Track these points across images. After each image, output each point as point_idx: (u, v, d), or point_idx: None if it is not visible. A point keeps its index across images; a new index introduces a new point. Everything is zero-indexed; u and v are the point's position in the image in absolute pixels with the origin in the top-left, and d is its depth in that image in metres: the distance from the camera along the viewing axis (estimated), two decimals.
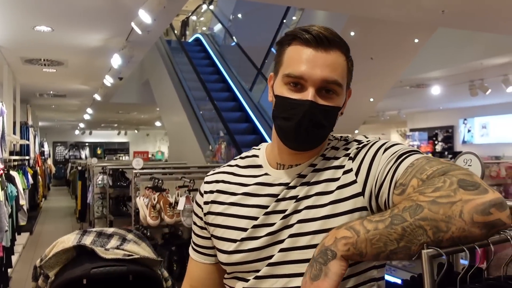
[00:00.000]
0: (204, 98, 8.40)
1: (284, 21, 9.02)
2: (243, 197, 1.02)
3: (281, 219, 0.96)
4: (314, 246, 0.87)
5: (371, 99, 8.96)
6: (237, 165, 1.09)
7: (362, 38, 6.57)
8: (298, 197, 0.96)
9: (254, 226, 0.98)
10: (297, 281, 0.90)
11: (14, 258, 5.35)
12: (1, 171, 4.38)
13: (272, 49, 9.32)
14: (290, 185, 0.98)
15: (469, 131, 14.44)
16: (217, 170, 1.12)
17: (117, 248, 1.69)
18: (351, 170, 0.95)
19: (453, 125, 14.96)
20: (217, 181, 1.09)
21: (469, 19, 5.34)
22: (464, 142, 14.48)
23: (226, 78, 9.45)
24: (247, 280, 0.99)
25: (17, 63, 7.12)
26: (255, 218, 0.98)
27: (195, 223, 1.13)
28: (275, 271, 0.95)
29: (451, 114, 14.73)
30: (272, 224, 0.96)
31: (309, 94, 0.91)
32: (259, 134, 7.82)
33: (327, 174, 0.97)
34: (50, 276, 1.63)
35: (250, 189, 1.02)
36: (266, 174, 1.02)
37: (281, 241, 0.95)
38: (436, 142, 15.40)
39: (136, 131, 22.84)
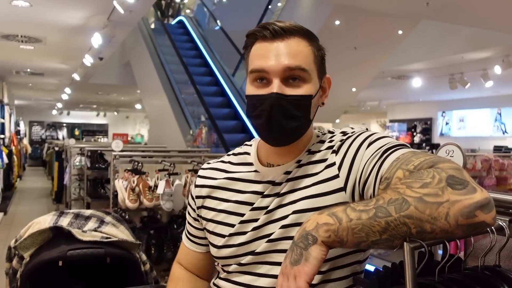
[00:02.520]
0: (186, 81, 8.31)
1: (270, 7, 8.96)
2: (233, 194, 1.04)
3: (264, 214, 0.98)
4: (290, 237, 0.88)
5: (353, 89, 9.02)
6: (230, 162, 1.10)
7: (347, 28, 6.58)
8: (281, 192, 0.97)
9: (241, 222, 1.00)
10: (278, 269, 0.90)
11: None
12: None
13: None
14: (275, 182, 0.99)
15: (447, 123, 14.71)
16: (212, 165, 1.13)
17: (95, 230, 1.67)
18: (334, 164, 0.94)
19: (432, 117, 15.20)
20: (210, 178, 1.10)
21: (453, 12, 5.39)
22: (441, 134, 14.75)
23: (209, 62, 9.35)
24: (237, 264, 1.01)
25: None
26: (242, 215, 1.01)
27: (189, 213, 1.16)
28: (259, 258, 0.97)
29: (430, 106, 14.96)
30: (256, 220, 0.98)
31: (274, 87, 0.91)
32: (241, 120, 7.79)
33: (310, 169, 0.97)
34: (25, 257, 1.59)
35: (239, 186, 1.04)
36: (255, 171, 1.03)
37: (268, 235, 0.97)
38: (414, 134, 15.65)
39: (115, 113, 22.49)
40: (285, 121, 0.92)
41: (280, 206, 0.97)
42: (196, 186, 1.12)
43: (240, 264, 1.00)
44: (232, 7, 11.06)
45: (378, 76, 9.11)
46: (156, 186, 2.97)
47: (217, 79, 8.94)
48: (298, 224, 0.90)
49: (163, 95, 8.28)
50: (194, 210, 1.13)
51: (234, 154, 1.11)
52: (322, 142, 1.00)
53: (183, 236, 1.21)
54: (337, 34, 6.60)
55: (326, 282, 0.93)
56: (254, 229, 0.98)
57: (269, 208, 0.97)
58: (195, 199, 1.12)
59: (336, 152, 0.95)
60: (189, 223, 1.17)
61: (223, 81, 8.77)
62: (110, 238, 1.64)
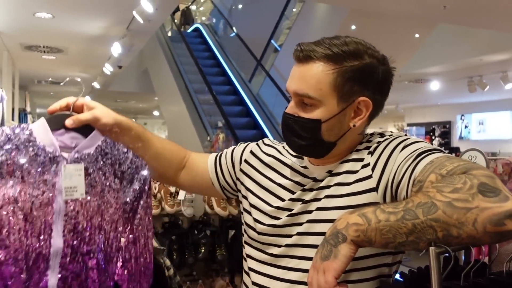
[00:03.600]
0: (203, 87, 8.39)
1: (285, 13, 9.00)
2: (278, 176, 1.09)
3: (301, 203, 1.01)
4: None
5: None
6: (288, 151, 1.13)
7: (363, 33, 6.56)
8: (320, 186, 1.00)
9: (278, 208, 1.04)
10: (308, 264, 0.93)
11: None
12: None
13: (272, 41, 9.30)
14: (317, 178, 1.03)
15: (466, 127, 14.49)
16: (272, 143, 1.18)
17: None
18: (368, 164, 0.97)
19: (451, 120, 15.00)
20: (266, 153, 1.15)
21: (470, 15, 5.35)
22: (461, 138, 14.54)
23: (225, 69, 9.42)
24: (266, 253, 1.05)
25: (17, 49, 7.09)
26: (282, 199, 1.05)
27: (231, 156, 1.20)
28: (290, 252, 1.01)
29: (449, 109, 14.76)
30: (292, 209, 1.02)
31: (288, 106, 0.99)
32: (260, 129, 7.82)
33: (347, 166, 0.99)
34: None
35: (286, 172, 1.08)
36: (305, 167, 1.06)
37: (300, 224, 1.00)
38: (433, 138, 15.46)
39: (134, 120, 22.52)
40: (293, 138, 1.00)
41: (315, 199, 1.00)
42: (252, 152, 1.16)
43: (272, 255, 1.04)
44: (247, 14, 11.13)
45: (395, 79, 9.00)
46: (177, 192, 3.02)
47: (233, 85, 9.01)
48: (327, 221, 0.94)
49: (180, 101, 8.37)
50: (233, 165, 1.18)
51: None
52: (362, 144, 1.02)
53: (212, 156, 1.24)
54: None
55: (346, 283, 0.95)
56: (289, 216, 1.02)
57: (306, 199, 1.01)
58: (242, 161, 1.16)
59: (371, 153, 0.98)
60: (220, 161, 1.21)
61: (239, 85, 8.83)
62: None
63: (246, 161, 1.16)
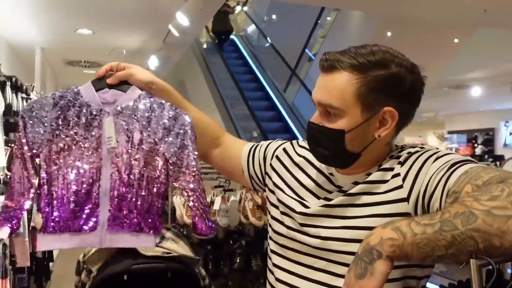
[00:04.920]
0: (238, 100, 8.45)
1: (319, 21, 8.97)
2: (305, 177, 1.09)
3: (327, 208, 1.00)
4: (356, 240, 0.89)
5: None
6: None
7: (399, 39, 6.45)
8: (347, 192, 0.99)
9: (302, 214, 1.03)
10: (334, 267, 0.96)
11: (55, 252, 5.54)
12: None
13: (306, 50, 9.29)
14: (343, 188, 1.01)
15: (510, 133, 13.91)
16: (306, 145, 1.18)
17: (156, 245, 1.73)
18: (399, 174, 0.94)
19: (494, 127, 14.44)
20: (299, 154, 1.15)
21: (510, 16, 5.15)
22: (505, 145, 13.96)
23: (260, 79, 9.47)
24: (291, 249, 1.04)
25: (60, 65, 7.39)
26: (305, 200, 1.05)
27: (264, 150, 1.21)
28: (315, 252, 1.00)
29: (492, 116, 14.23)
30: (317, 215, 1.01)
31: (314, 116, 0.99)
32: (292, 133, 7.81)
33: (377, 176, 0.97)
34: (92, 271, 1.68)
35: (313, 174, 1.09)
36: (331, 174, 1.06)
37: (325, 227, 0.98)
38: (475, 145, 14.92)
39: None
40: (317, 148, 1.00)
41: (341, 205, 0.98)
42: (285, 150, 1.17)
43: (297, 252, 1.03)
44: (282, 24, 11.17)
45: (434, 86, 8.82)
46: (212, 202, 3.03)
47: (268, 95, 9.04)
48: (353, 228, 0.93)
49: (215, 112, 8.47)
50: (265, 159, 1.19)
51: None
52: (391, 156, 1.00)
53: (249, 145, 1.27)
54: (389, 46, 6.46)
55: None
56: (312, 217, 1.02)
57: (331, 203, 1.00)
58: (273, 157, 1.17)
59: (402, 163, 0.95)
60: (254, 152, 1.22)
61: (275, 96, 8.85)
62: (170, 253, 1.69)
63: (277, 157, 1.17)
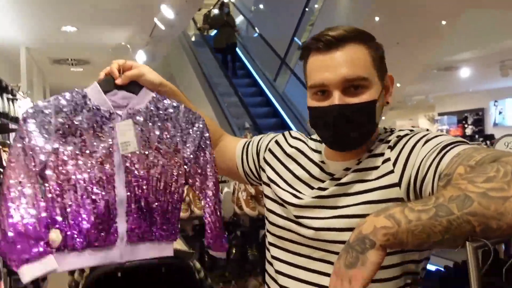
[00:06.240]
0: (229, 90, 8.42)
1: (307, 9, 8.91)
2: (296, 166, 1.08)
3: (320, 199, 0.99)
4: (350, 229, 0.86)
5: (398, 85, 8.78)
6: (306, 143, 1.13)
7: (388, 24, 6.43)
8: (340, 182, 0.98)
9: (296, 205, 1.02)
10: (332, 257, 0.95)
11: None
12: None
13: (295, 39, 9.24)
14: (335, 176, 1.00)
15: (500, 113, 13.99)
16: (303, 137, 1.16)
17: None
18: (389, 159, 0.93)
19: (483, 107, 14.52)
20: (291, 145, 1.14)
21: None
22: (495, 124, 14.04)
23: (249, 69, 9.42)
24: (288, 240, 1.04)
25: (46, 63, 7.31)
26: (298, 191, 1.04)
27: (257, 144, 1.21)
28: (311, 243, 0.99)
29: (481, 96, 14.29)
30: (311, 206, 1.00)
31: (335, 99, 0.92)
32: (283, 122, 7.80)
33: (368, 162, 0.96)
34: (85, 270, 1.67)
35: (304, 162, 1.08)
36: (322, 162, 1.05)
37: (319, 218, 0.98)
38: (466, 126, 15.00)
39: None
40: (351, 131, 0.94)
41: (334, 195, 0.98)
42: (277, 142, 1.16)
43: (295, 243, 1.02)
44: (270, 13, 11.09)
45: (423, 69, 8.84)
46: None
47: (259, 84, 9.00)
48: (346, 216, 0.93)
49: (206, 104, 8.42)
50: (258, 153, 1.18)
51: (312, 139, 1.14)
52: (381, 140, 0.99)
53: (242, 141, 1.26)
54: (378, 31, 6.44)
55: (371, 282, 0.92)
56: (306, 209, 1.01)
57: (324, 195, 0.99)
58: (266, 150, 1.16)
59: (391, 148, 0.94)
60: (247, 148, 1.22)
61: (265, 86, 8.81)
62: None
63: (270, 150, 1.16)
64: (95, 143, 1.08)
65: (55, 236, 1.04)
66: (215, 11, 9.99)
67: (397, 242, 0.71)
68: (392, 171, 0.91)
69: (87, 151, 1.07)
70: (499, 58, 8.64)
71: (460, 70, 9.75)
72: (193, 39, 11.06)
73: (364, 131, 0.96)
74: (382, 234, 0.71)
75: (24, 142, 1.03)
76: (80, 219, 1.06)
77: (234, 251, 2.77)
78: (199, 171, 1.17)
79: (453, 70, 9.91)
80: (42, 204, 1.03)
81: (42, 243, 1.01)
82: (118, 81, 1.11)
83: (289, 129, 7.54)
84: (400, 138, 0.95)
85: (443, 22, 6.60)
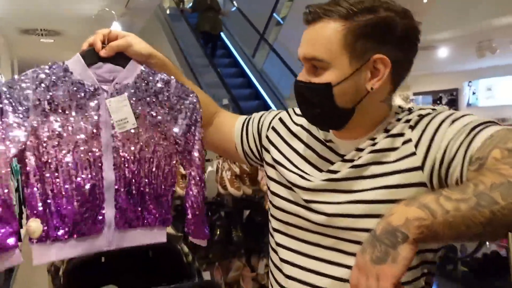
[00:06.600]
0: (207, 66, 8.22)
1: None
2: (305, 148, 1.00)
3: (331, 182, 0.91)
4: (367, 215, 0.83)
5: None
6: None
7: None
8: (354, 164, 0.89)
9: (305, 189, 0.94)
10: (344, 245, 0.89)
11: (22, 232, 5.33)
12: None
13: (274, 14, 9.06)
14: (346, 158, 0.92)
15: (473, 93, 14.26)
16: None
17: None
18: (410, 140, 0.85)
19: (458, 87, 14.76)
20: (296, 123, 1.05)
21: None
22: (469, 105, 14.31)
23: (227, 44, 9.22)
24: (295, 226, 0.97)
25: (13, 34, 6.94)
26: (309, 180, 0.95)
27: (258, 122, 1.13)
28: (320, 229, 0.92)
29: (456, 77, 14.50)
30: (322, 189, 0.92)
31: (300, 74, 0.91)
32: (262, 99, 7.70)
33: (385, 143, 0.88)
34: None
35: (312, 144, 0.99)
36: (330, 141, 0.97)
37: (331, 203, 0.90)
38: (440, 106, 15.27)
39: None
40: (307, 108, 0.92)
41: (347, 179, 0.90)
42: (281, 119, 1.08)
43: (301, 229, 0.95)
44: None
45: None
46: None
47: (236, 60, 8.84)
48: (363, 202, 0.85)
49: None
50: (259, 131, 1.10)
51: None
52: (398, 120, 0.91)
53: (241, 118, 1.17)
54: None
55: None
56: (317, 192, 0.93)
57: (335, 178, 0.91)
58: (270, 128, 1.08)
59: (412, 127, 0.86)
60: (247, 126, 1.14)
61: (243, 62, 8.66)
62: None
63: (273, 128, 1.07)
64: (79, 122, 0.98)
65: (35, 226, 0.94)
66: None
67: (432, 235, 0.65)
68: (413, 153, 0.84)
69: (70, 130, 0.97)
70: (477, 39, 8.71)
71: (438, 50, 9.81)
72: (168, 12, 10.73)
73: (321, 112, 0.89)
74: (416, 227, 0.64)
75: None
76: (63, 206, 0.96)
77: (218, 232, 2.69)
78: (188, 149, 1.08)
79: (431, 50, 9.95)
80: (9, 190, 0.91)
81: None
82: (103, 53, 1.00)
83: (266, 104, 7.51)
84: (421, 117, 0.87)
85: (424, 0, 6.56)
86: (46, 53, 8.78)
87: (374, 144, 0.89)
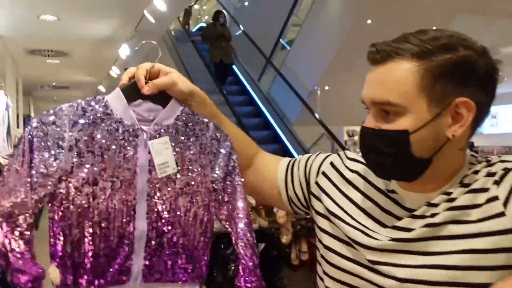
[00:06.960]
0: (213, 88, 8.16)
1: (294, 9, 8.76)
2: (364, 199, 0.89)
3: (400, 242, 0.80)
4: (448, 283, 0.73)
5: None
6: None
7: (379, 26, 6.33)
8: (427, 223, 0.78)
9: (367, 247, 0.82)
10: None
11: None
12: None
13: (281, 40, 9.07)
14: (416, 214, 0.80)
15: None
16: (360, 159, 0.95)
17: None
18: (497, 198, 0.74)
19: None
20: (350, 169, 0.94)
21: (491, 4, 5.12)
22: None
23: (236, 72, 9.19)
24: (352, 286, 0.86)
25: (21, 54, 6.90)
26: (372, 236, 0.83)
27: (304, 165, 1.01)
28: None
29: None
30: (387, 250, 0.81)
31: (367, 119, 0.82)
32: (272, 129, 7.61)
33: (465, 199, 0.77)
34: None
35: (373, 195, 0.88)
36: (393, 191, 0.86)
37: (402, 266, 0.79)
38: None
39: None
40: (376, 157, 0.82)
41: (420, 239, 0.78)
42: (332, 164, 0.97)
43: None
44: (255, 11, 10.87)
45: None
46: None
47: (243, 84, 8.80)
48: (441, 267, 0.74)
49: None
50: (307, 176, 0.99)
51: None
52: (476, 172, 0.80)
53: (284, 161, 1.06)
54: (368, 34, 6.37)
55: None
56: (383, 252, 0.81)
57: (405, 238, 0.79)
58: (319, 173, 0.97)
59: (498, 183, 0.75)
60: (292, 169, 1.02)
61: (249, 86, 8.62)
62: None
63: (324, 174, 0.96)
64: (115, 165, 0.87)
65: (53, 275, 0.86)
66: (196, 6, 9.55)
67: None
68: (502, 213, 0.73)
69: (106, 176, 0.86)
70: None
71: None
72: (173, 33, 10.75)
73: (398, 163, 0.79)
74: None
75: (24, 158, 0.82)
76: (90, 255, 0.86)
77: (232, 267, 2.55)
78: (227, 199, 0.97)
79: None
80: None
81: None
82: (145, 90, 0.91)
83: (272, 128, 7.42)
84: (508, 170, 0.76)
85: (434, 28, 6.55)
86: (52, 73, 8.75)
87: (451, 200, 0.79)
